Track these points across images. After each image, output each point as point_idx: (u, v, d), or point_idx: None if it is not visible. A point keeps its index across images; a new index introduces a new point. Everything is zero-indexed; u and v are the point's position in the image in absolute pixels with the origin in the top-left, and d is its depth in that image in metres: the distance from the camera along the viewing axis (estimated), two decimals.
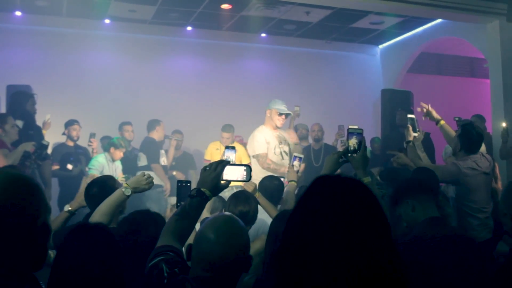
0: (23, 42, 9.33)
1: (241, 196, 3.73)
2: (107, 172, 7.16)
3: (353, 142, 2.96)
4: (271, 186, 4.58)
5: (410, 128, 5.04)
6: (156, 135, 8.06)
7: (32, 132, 6.60)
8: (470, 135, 4.64)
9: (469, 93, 11.16)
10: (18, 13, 9.13)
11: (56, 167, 7.40)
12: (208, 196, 2.26)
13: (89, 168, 7.22)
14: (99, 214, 3.05)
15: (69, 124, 7.74)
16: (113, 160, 7.33)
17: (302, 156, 5.40)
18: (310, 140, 8.58)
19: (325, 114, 9.93)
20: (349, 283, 1.18)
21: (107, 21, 9.60)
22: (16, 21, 9.23)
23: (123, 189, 3.17)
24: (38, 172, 6.01)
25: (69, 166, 7.38)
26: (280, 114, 6.32)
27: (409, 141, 4.97)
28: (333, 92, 10.96)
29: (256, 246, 3.40)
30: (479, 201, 4.60)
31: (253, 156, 6.16)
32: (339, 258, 1.19)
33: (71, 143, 7.70)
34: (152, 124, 8.14)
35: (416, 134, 5.08)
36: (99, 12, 9.13)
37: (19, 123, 6.35)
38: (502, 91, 8.20)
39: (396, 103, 7.66)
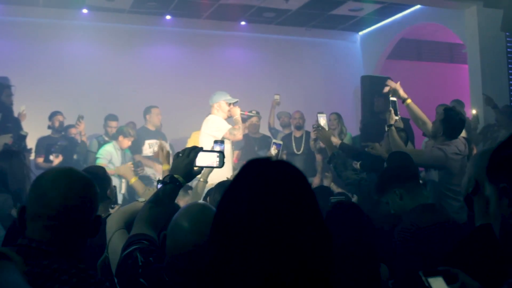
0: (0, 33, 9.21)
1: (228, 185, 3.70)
2: (115, 160, 7.14)
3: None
4: None
5: (392, 111, 5.03)
6: (149, 124, 8.04)
7: (10, 124, 6.52)
8: (453, 120, 4.65)
9: (448, 78, 11.22)
10: None
11: (40, 159, 7.34)
12: (181, 182, 2.26)
13: (97, 157, 7.18)
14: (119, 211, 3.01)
15: (52, 115, 7.72)
16: (122, 149, 7.29)
17: (281, 142, 5.37)
18: (293, 128, 8.58)
19: (306, 101, 9.93)
20: (270, 273, 1.12)
21: (84, 10, 9.49)
22: None
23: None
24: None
25: (51, 157, 7.33)
26: (229, 104, 6.14)
27: (391, 125, 4.97)
28: (314, 79, 10.97)
29: None
30: (461, 184, 4.63)
31: (230, 132, 5.92)
32: (258, 246, 1.14)
33: (55, 135, 7.66)
34: (144, 114, 8.14)
35: (397, 118, 5.08)
36: (76, 1, 9.04)
37: None
38: (480, 76, 8.27)
39: (375, 89, 7.66)
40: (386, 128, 4.98)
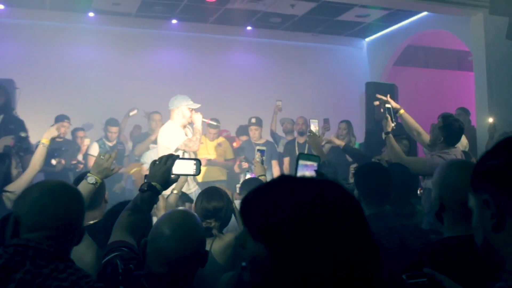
0: (6, 35, 9.24)
1: (215, 192, 3.63)
2: None
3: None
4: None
5: (389, 118, 4.98)
6: (150, 130, 8.12)
7: (13, 126, 6.51)
8: (453, 127, 4.60)
9: (455, 86, 11.17)
10: (1, 6, 9.04)
11: None
12: (159, 190, 2.27)
13: (142, 163, 7.14)
14: None
15: (59, 119, 7.60)
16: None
17: (264, 148, 5.34)
18: (296, 134, 8.55)
19: (312, 107, 9.90)
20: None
21: (91, 14, 9.53)
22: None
23: (86, 179, 2.99)
24: (21, 167, 5.96)
25: (53, 161, 7.32)
26: (191, 110, 5.91)
27: (388, 132, 4.90)
28: (319, 85, 10.96)
29: (227, 238, 3.38)
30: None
31: (185, 143, 5.66)
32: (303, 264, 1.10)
33: (57, 139, 7.58)
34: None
35: (393, 125, 5.02)
36: (83, 5, 9.07)
37: None
38: (486, 84, 8.21)
39: None
40: (384, 136, 4.91)
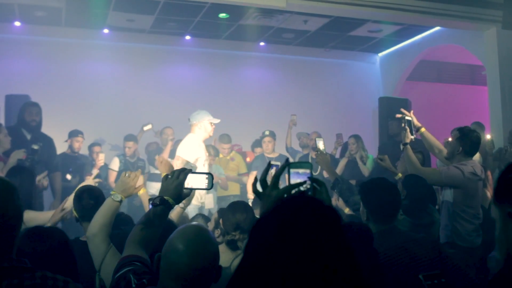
0: (22, 52, 9.38)
1: (240, 205, 3.70)
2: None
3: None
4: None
5: (408, 130, 4.97)
6: (163, 145, 8.21)
7: (42, 143, 6.54)
8: (471, 136, 4.60)
9: (469, 100, 11.12)
10: (17, 23, 9.19)
11: None
12: (171, 204, 2.27)
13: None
14: (98, 226, 2.74)
15: (73, 134, 7.68)
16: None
17: (278, 163, 5.34)
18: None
19: (325, 122, 9.92)
20: None
21: (105, 30, 9.65)
22: (15, 31, 9.30)
23: (111, 196, 2.87)
24: (48, 184, 6.05)
25: (68, 176, 7.35)
26: (212, 124, 6.15)
27: (406, 143, 4.87)
28: (332, 100, 10.97)
29: None
30: (475, 206, 4.61)
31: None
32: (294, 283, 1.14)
33: (72, 153, 7.66)
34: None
35: (413, 137, 5.00)
36: (97, 22, 9.18)
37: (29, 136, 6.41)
38: (500, 98, 8.17)
39: (393, 111, 7.57)
40: (402, 147, 4.90)
